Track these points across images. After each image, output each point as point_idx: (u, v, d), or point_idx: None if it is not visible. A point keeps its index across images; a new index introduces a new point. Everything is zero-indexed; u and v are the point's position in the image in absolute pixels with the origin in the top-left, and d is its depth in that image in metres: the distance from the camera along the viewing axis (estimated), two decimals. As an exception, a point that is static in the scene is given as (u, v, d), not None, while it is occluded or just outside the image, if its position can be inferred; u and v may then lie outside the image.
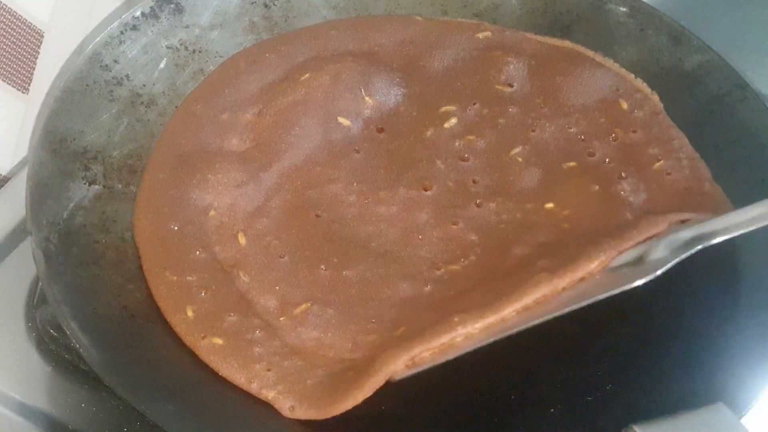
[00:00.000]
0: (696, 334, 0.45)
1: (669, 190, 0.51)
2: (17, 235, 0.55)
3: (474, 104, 0.56)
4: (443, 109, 0.56)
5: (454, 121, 0.55)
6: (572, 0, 0.60)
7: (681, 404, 0.37)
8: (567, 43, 0.60)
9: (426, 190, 0.52)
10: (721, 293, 0.47)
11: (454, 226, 0.50)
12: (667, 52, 0.57)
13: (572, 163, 0.53)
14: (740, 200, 0.49)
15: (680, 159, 0.53)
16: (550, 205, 0.51)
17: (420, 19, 0.61)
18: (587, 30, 0.60)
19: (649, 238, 0.43)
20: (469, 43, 0.59)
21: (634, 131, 0.54)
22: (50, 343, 0.49)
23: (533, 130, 0.55)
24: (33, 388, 0.48)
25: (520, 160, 0.53)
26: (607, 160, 0.53)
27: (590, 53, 0.59)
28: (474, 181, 0.52)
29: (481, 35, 0.60)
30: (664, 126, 0.54)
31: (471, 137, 0.54)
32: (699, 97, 0.55)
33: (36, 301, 0.51)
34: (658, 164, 0.52)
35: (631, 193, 0.51)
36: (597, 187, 0.51)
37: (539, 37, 0.60)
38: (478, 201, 0.51)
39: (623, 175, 0.52)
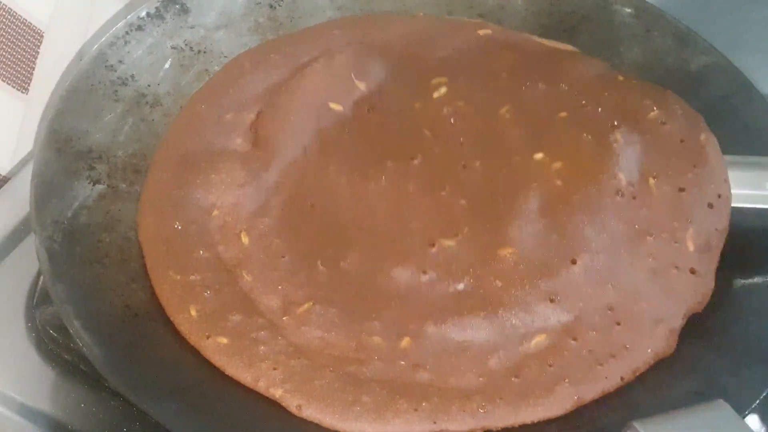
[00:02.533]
0: (698, 332, 0.46)
1: (664, 143, 0.52)
2: (17, 235, 0.56)
3: (465, 74, 0.56)
4: (434, 81, 0.56)
5: (443, 90, 0.56)
6: (578, 1, 0.61)
7: (684, 404, 0.38)
8: (569, 47, 0.61)
9: (412, 160, 0.52)
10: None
11: (443, 193, 0.51)
12: (672, 53, 0.58)
13: (563, 113, 0.53)
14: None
15: (675, 110, 0.53)
16: (539, 156, 0.51)
17: (424, 17, 0.63)
18: (592, 31, 0.61)
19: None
20: (469, 36, 0.61)
21: (628, 89, 0.55)
22: (50, 343, 0.50)
23: (524, 88, 0.55)
24: (32, 388, 0.49)
25: (508, 116, 0.54)
26: (600, 109, 0.53)
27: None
28: (460, 143, 0.53)
29: (481, 32, 0.61)
30: (658, 87, 0.55)
31: (460, 103, 0.55)
32: (704, 99, 0.56)
33: (36, 301, 0.52)
34: (652, 114, 0.53)
35: (625, 145, 0.51)
36: (589, 137, 0.52)
37: (544, 40, 0.61)
38: (463, 163, 0.52)
39: (616, 123, 0.52)
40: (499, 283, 0.47)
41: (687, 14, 0.60)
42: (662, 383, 0.44)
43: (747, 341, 0.45)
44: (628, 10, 0.60)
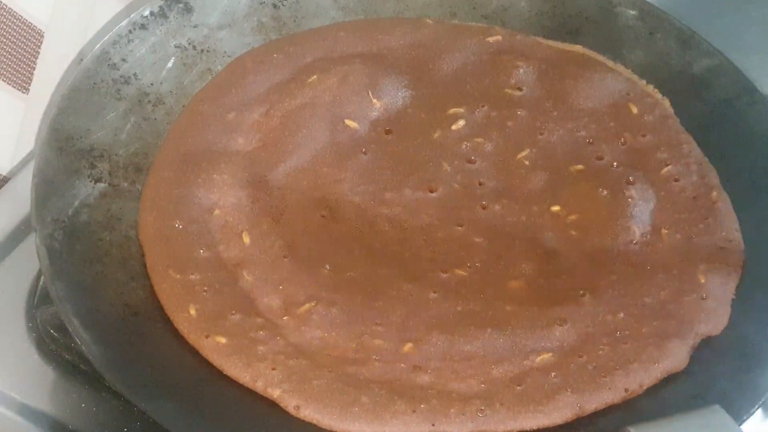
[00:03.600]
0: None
1: (677, 199, 0.54)
2: (17, 235, 0.57)
3: (482, 107, 0.58)
4: (451, 110, 0.58)
5: (462, 123, 0.57)
6: (581, 3, 0.62)
7: (682, 408, 0.39)
8: (578, 48, 0.62)
9: (431, 192, 0.54)
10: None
11: (459, 228, 0.52)
12: (676, 55, 0.59)
13: (580, 166, 0.56)
14: (748, 204, 0.52)
15: (688, 164, 0.55)
16: (556, 208, 0.53)
17: (430, 22, 0.63)
18: (596, 33, 0.62)
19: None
20: (479, 47, 0.62)
21: (643, 135, 0.57)
22: (50, 343, 0.51)
23: (541, 134, 0.57)
24: (33, 388, 0.49)
25: (527, 163, 0.56)
26: (615, 164, 0.55)
27: (601, 58, 0.61)
28: (480, 183, 0.55)
29: (491, 39, 0.62)
30: (673, 130, 0.57)
31: (479, 140, 0.57)
32: (708, 101, 0.57)
33: (36, 301, 0.53)
34: (665, 169, 0.55)
35: (639, 201, 0.53)
36: (605, 192, 0.54)
37: (550, 42, 0.62)
38: (483, 203, 0.54)
39: (631, 179, 0.54)
40: (508, 308, 0.48)
41: (687, 14, 0.61)
42: (661, 387, 0.45)
43: (746, 346, 0.46)
44: (632, 12, 0.61)
